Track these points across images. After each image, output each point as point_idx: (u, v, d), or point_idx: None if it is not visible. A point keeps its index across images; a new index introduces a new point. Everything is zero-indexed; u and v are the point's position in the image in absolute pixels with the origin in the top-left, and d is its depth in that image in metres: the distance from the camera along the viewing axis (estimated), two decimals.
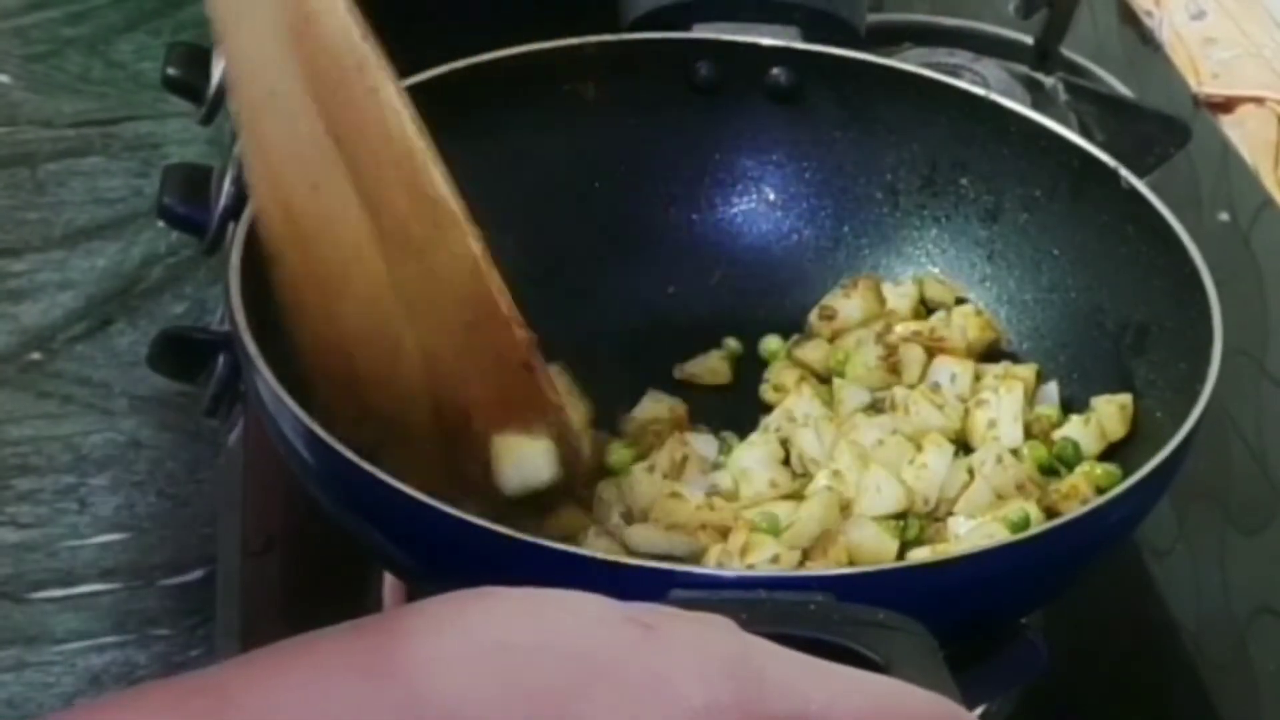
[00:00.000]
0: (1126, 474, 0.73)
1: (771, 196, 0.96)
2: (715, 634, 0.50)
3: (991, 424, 0.82)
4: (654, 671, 0.48)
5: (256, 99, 0.75)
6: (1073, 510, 0.75)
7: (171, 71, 1.22)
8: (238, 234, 0.79)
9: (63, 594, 1.64)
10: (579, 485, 0.78)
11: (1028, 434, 0.83)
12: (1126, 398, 0.83)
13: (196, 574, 1.59)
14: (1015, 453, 0.81)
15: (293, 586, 0.92)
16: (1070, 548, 0.72)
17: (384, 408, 0.76)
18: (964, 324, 0.87)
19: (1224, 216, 1.14)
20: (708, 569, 0.73)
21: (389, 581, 0.83)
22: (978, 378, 0.85)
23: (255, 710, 0.46)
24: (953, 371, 0.85)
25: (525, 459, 0.76)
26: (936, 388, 0.84)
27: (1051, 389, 0.86)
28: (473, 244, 0.74)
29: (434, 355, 0.75)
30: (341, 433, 0.71)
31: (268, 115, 0.75)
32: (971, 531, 0.77)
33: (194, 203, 1.06)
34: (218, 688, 0.47)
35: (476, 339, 0.75)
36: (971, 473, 0.80)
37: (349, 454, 0.70)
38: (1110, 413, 0.83)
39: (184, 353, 1.08)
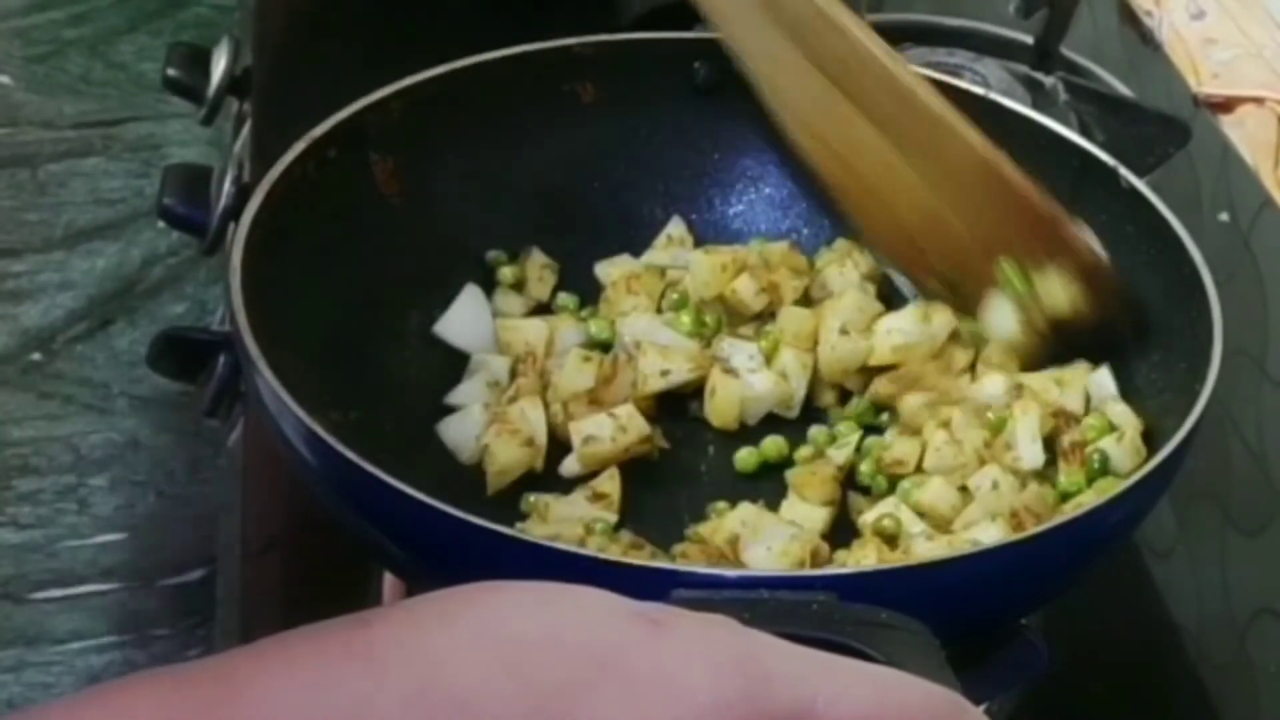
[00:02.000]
0: (1126, 474, 0.73)
1: (771, 196, 0.96)
2: (722, 631, 0.50)
3: (1008, 446, 0.81)
4: (661, 667, 0.48)
5: (764, 69, 0.88)
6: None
7: (172, 72, 1.22)
8: (238, 234, 0.79)
9: (63, 594, 1.64)
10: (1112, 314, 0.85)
11: (1062, 450, 0.82)
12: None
13: (196, 574, 1.59)
14: (1038, 474, 0.81)
15: (293, 586, 0.92)
16: (1070, 548, 0.72)
17: (952, 267, 0.87)
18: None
19: (1224, 216, 1.14)
20: (710, 569, 0.73)
21: (389, 581, 0.83)
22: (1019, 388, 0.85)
23: (262, 699, 0.46)
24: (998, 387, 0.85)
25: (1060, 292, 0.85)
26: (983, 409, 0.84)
27: (1104, 377, 0.85)
28: (972, 139, 0.85)
29: (977, 227, 0.86)
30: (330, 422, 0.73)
31: (779, 78, 0.88)
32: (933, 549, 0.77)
33: (194, 203, 1.06)
34: (225, 676, 0.47)
35: (1002, 208, 0.85)
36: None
37: (349, 454, 0.70)
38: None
39: (184, 353, 1.08)
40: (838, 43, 0.86)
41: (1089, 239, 0.86)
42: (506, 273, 0.91)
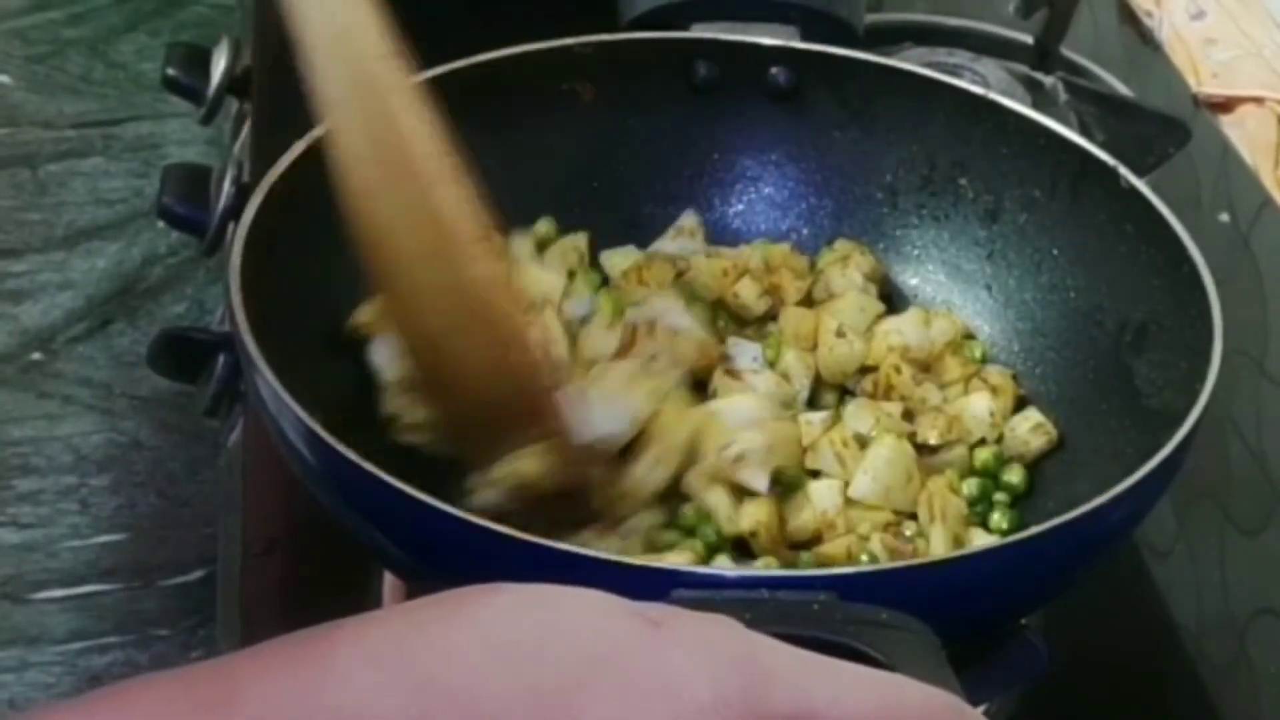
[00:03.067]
0: (1125, 475, 0.73)
1: (770, 196, 0.96)
2: (722, 631, 0.50)
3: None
4: (661, 668, 0.48)
5: (328, 103, 0.76)
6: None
7: (171, 72, 1.22)
8: (238, 234, 0.79)
9: (63, 594, 1.65)
10: (569, 509, 0.78)
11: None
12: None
13: (197, 574, 1.59)
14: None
15: (293, 587, 0.92)
16: (1070, 548, 0.72)
17: (450, 398, 0.78)
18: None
19: (1224, 217, 1.14)
20: (711, 569, 0.73)
21: (389, 581, 0.83)
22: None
23: (263, 701, 0.46)
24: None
25: (520, 465, 0.77)
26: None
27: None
28: (481, 267, 0.75)
29: (479, 366, 0.76)
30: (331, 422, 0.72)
31: (336, 120, 0.76)
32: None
33: (194, 203, 1.06)
34: (227, 677, 0.47)
35: (505, 356, 0.76)
36: None
37: (350, 454, 0.70)
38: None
39: (184, 353, 1.08)
40: (387, 117, 0.75)
41: (560, 410, 0.78)
42: (541, 227, 0.92)
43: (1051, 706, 0.83)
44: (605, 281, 0.92)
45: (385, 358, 0.83)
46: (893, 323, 0.88)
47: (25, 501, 1.69)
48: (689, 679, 0.47)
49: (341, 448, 0.70)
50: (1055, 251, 0.90)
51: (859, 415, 0.83)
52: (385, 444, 0.82)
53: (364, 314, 0.85)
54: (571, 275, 0.92)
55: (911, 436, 0.82)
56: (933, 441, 0.83)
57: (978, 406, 0.85)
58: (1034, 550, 0.71)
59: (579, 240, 0.93)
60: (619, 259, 0.92)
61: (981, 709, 0.80)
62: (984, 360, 0.88)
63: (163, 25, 2.11)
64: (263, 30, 1.25)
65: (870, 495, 0.80)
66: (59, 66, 2.12)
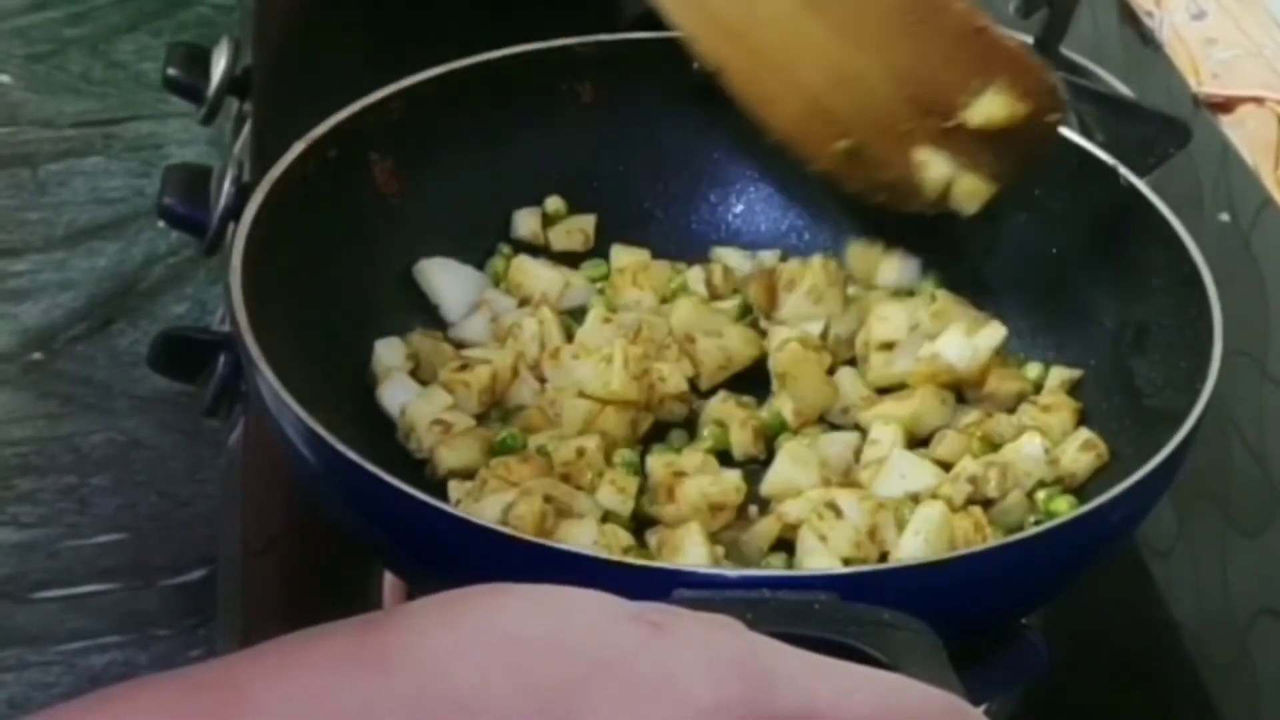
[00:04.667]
0: (1126, 475, 0.73)
1: (770, 196, 0.96)
2: (723, 633, 0.50)
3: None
4: (662, 669, 0.48)
5: None
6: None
7: (172, 72, 1.22)
8: (238, 234, 0.79)
9: (63, 594, 1.65)
10: (1044, 111, 0.82)
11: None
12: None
13: (197, 574, 1.59)
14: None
15: (293, 586, 0.92)
16: (1070, 548, 0.72)
17: (866, 126, 0.82)
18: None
19: (1224, 216, 1.14)
20: (712, 569, 0.73)
21: (389, 581, 0.83)
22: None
23: (266, 703, 0.46)
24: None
25: (995, 108, 0.81)
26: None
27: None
28: None
29: (895, 65, 0.81)
30: (332, 422, 0.72)
31: None
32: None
33: (194, 203, 1.06)
34: (228, 680, 0.47)
35: (926, 33, 0.80)
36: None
37: (350, 454, 0.70)
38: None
39: (184, 353, 1.08)
40: None
41: (1017, 44, 0.82)
42: (551, 204, 0.93)
43: (1051, 706, 0.83)
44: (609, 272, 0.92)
45: (397, 400, 0.84)
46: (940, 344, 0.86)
47: (25, 501, 1.69)
48: (691, 681, 0.47)
49: (342, 447, 0.70)
50: (1055, 250, 0.90)
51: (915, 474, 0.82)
52: (385, 444, 0.82)
53: (377, 360, 0.85)
54: (575, 261, 0.92)
55: (971, 497, 0.80)
56: (991, 496, 0.81)
57: (1030, 448, 0.82)
58: (1034, 550, 0.71)
59: (586, 222, 0.93)
60: (626, 256, 0.92)
61: (982, 709, 0.80)
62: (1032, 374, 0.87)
63: (163, 25, 2.11)
64: (263, 30, 1.25)
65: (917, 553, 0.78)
66: (59, 66, 2.12)
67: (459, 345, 0.87)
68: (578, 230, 0.93)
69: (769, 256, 0.93)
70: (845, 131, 0.83)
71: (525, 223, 0.93)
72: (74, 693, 0.47)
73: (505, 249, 0.92)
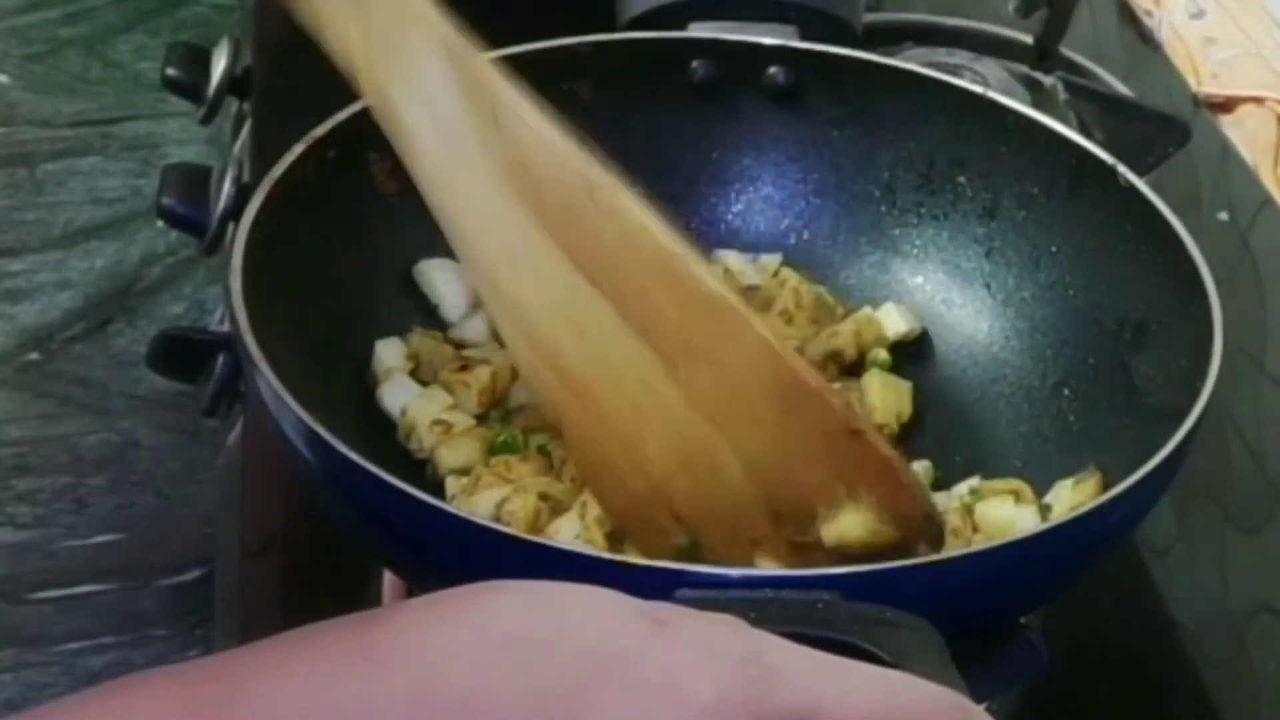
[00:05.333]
0: (1126, 474, 0.73)
1: (769, 195, 0.95)
2: (727, 631, 0.50)
3: None
4: (665, 667, 0.48)
5: (493, 261, 0.71)
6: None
7: (170, 71, 1.22)
8: (238, 234, 0.79)
9: (60, 594, 1.64)
10: (912, 540, 0.74)
11: None
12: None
13: (195, 574, 1.59)
14: None
15: (292, 586, 0.92)
16: (1070, 548, 0.72)
17: (712, 524, 0.73)
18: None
19: (1224, 216, 1.14)
20: (715, 568, 0.72)
21: (389, 581, 0.83)
22: None
23: (266, 699, 0.46)
24: None
25: (853, 527, 0.73)
26: None
27: None
28: (759, 329, 0.69)
29: (755, 456, 0.72)
30: (333, 423, 0.72)
31: (509, 274, 0.71)
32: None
33: (193, 203, 1.06)
34: (225, 676, 0.47)
35: (794, 423, 0.71)
36: None
37: (351, 454, 0.70)
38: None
39: (183, 353, 1.08)
40: (604, 227, 0.69)
41: (895, 458, 0.73)
42: None
43: (1051, 706, 0.83)
44: None
45: (398, 401, 0.84)
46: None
47: (22, 501, 1.69)
48: (694, 679, 0.47)
49: (342, 447, 0.70)
50: (1054, 249, 0.89)
51: None
52: (385, 444, 0.82)
53: (377, 361, 0.85)
54: None
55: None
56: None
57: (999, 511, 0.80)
58: (1034, 550, 0.70)
59: None
60: None
61: (982, 708, 0.79)
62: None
63: (161, 24, 2.11)
64: (263, 30, 1.25)
65: None
66: (57, 66, 2.12)
67: (459, 345, 0.87)
68: None
69: (771, 260, 0.93)
70: (686, 526, 0.73)
71: None
72: (71, 693, 0.47)
73: None
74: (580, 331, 0.71)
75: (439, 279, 0.89)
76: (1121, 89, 1.16)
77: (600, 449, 0.74)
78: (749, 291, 0.90)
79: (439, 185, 0.71)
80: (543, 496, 0.77)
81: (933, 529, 0.75)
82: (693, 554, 0.72)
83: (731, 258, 0.93)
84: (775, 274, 0.92)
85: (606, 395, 0.72)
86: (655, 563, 0.72)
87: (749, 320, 0.69)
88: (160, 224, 1.16)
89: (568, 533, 0.76)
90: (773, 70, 0.94)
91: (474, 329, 0.88)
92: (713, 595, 0.62)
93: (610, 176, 0.69)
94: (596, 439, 0.74)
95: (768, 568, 0.71)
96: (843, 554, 0.72)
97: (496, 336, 0.88)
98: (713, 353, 0.69)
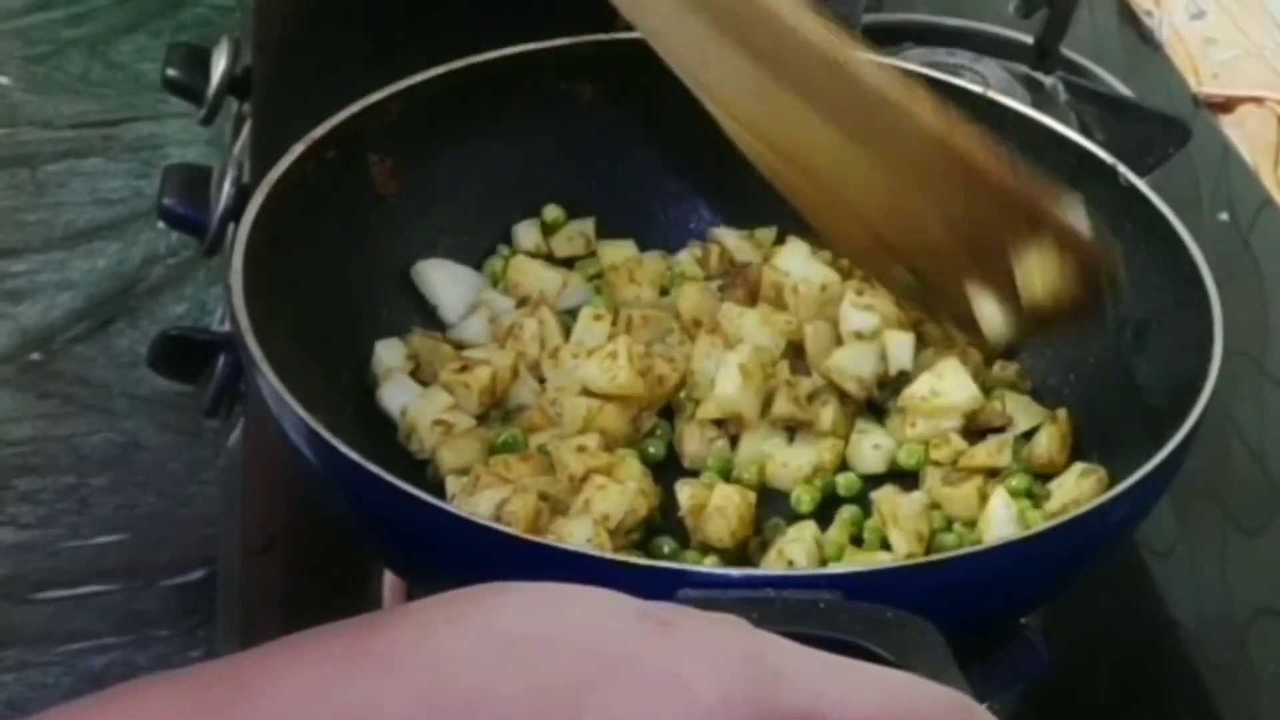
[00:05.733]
0: (1126, 474, 0.73)
1: (769, 195, 0.95)
2: (730, 631, 0.50)
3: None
4: (669, 668, 0.48)
5: (695, 69, 0.79)
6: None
7: (171, 72, 1.22)
8: (239, 235, 0.79)
9: (63, 594, 1.65)
10: (1099, 281, 0.80)
11: None
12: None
13: (196, 574, 1.59)
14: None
15: (293, 587, 0.92)
16: (1070, 548, 0.72)
17: (925, 261, 0.81)
18: None
19: (1224, 216, 1.14)
20: (716, 569, 0.73)
21: (389, 581, 0.83)
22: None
23: (273, 701, 0.46)
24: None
25: (1042, 275, 0.79)
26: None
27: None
28: (926, 116, 0.76)
29: (947, 213, 0.78)
30: (334, 423, 0.72)
31: (713, 77, 0.79)
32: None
33: (194, 203, 1.06)
34: (233, 679, 0.47)
35: (972, 188, 0.77)
36: None
37: (352, 454, 0.70)
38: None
39: (184, 353, 1.08)
40: (770, 26, 0.76)
41: (1071, 213, 0.80)
42: (549, 213, 0.93)
43: (1051, 706, 0.83)
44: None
45: (398, 401, 0.84)
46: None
47: (25, 502, 1.69)
48: (697, 680, 0.47)
49: (343, 448, 0.70)
50: None
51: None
52: (386, 444, 0.82)
53: (377, 361, 0.85)
54: (572, 262, 0.93)
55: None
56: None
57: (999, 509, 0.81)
58: (1034, 550, 0.71)
59: (586, 226, 0.93)
60: (613, 251, 0.93)
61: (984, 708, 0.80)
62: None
63: (163, 25, 2.11)
64: (262, 30, 1.25)
65: None
66: (59, 67, 2.12)
67: (458, 346, 0.87)
68: (579, 235, 0.93)
69: (766, 234, 0.93)
70: (902, 259, 0.82)
71: (526, 234, 0.93)
72: (74, 694, 0.47)
73: (505, 249, 0.92)
74: (772, 108, 0.78)
75: (437, 279, 0.89)
76: (1122, 89, 1.16)
77: (819, 205, 0.82)
78: (740, 269, 0.90)
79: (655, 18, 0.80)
80: (543, 496, 0.77)
81: (1117, 267, 0.80)
82: (920, 284, 0.82)
83: (727, 235, 0.93)
84: (768, 257, 0.92)
85: (809, 159, 0.80)
86: (657, 563, 0.72)
87: (911, 109, 0.77)
88: (161, 225, 1.16)
89: (580, 535, 0.76)
90: None
91: (474, 329, 0.88)
92: (715, 595, 0.62)
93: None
94: (817, 197, 0.82)
95: (979, 295, 0.77)
96: (1037, 306, 0.79)
97: (496, 336, 0.88)
98: (890, 132, 0.78)
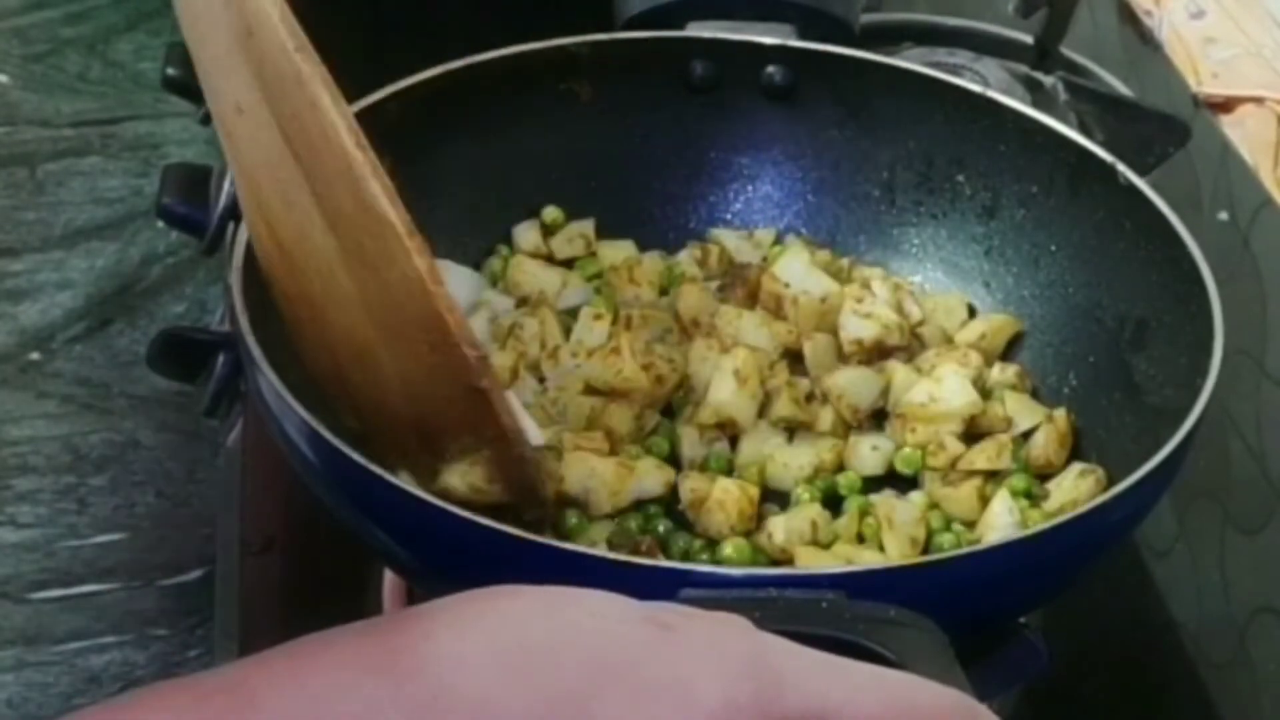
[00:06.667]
0: (1126, 474, 0.73)
1: (768, 194, 0.96)
2: (733, 633, 0.50)
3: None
4: (672, 672, 0.48)
5: (227, 113, 0.73)
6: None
7: (171, 71, 1.21)
8: (240, 234, 0.79)
9: (62, 594, 1.64)
10: (526, 509, 0.75)
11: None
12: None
13: (195, 574, 1.59)
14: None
15: (292, 586, 0.92)
16: (1070, 547, 0.72)
17: (372, 417, 0.75)
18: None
19: (1224, 216, 1.14)
20: (718, 568, 0.73)
21: (389, 581, 0.83)
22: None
23: (278, 708, 0.46)
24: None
25: (460, 478, 0.74)
26: None
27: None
28: (417, 261, 0.69)
29: (407, 376, 0.73)
30: (334, 423, 0.72)
31: (239, 128, 0.73)
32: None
33: (193, 203, 1.06)
34: (239, 686, 0.47)
35: (438, 360, 0.71)
36: None
37: (354, 454, 0.70)
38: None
39: (183, 353, 1.07)
40: (306, 113, 0.69)
41: (516, 420, 0.73)
42: (549, 214, 0.93)
43: (1051, 706, 0.83)
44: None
45: None
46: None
47: (23, 501, 1.69)
48: (701, 683, 0.47)
49: (344, 447, 0.70)
50: (1054, 248, 0.90)
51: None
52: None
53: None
54: (572, 263, 0.93)
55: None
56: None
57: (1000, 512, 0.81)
58: (1034, 550, 0.71)
59: (586, 227, 0.93)
60: (613, 252, 0.93)
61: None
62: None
63: (162, 25, 2.11)
64: None
65: None
66: (57, 66, 2.11)
67: None
68: (578, 236, 0.93)
69: (765, 235, 0.93)
70: (358, 417, 0.75)
71: (526, 236, 0.93)
72: (72, 693, 0.47)
73: (504, 250, 0.92)
74: (286, 199, 0.72)
75: None
76: (1121, 89, 1.16)
77: (295, 308, 0.75)
78: (740, 269, 0.90)
79: (196, 36, 0.74)
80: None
81: (538, 503, 0.75)
82: (362, 442, 0.72)
83: (727, 236, 0.93)
84: (768, 261, 0.92)
85: (301, 263, 0.73)
86: (660, 563, 0.72)
87: (409, 249, 0.69)
88: (161, 224, 1.16)
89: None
90: (771, 69, 0.94)
91: (474, 329, 0.88)
92: (716, 595, 0.62)
93: (318, 69, 0.70)
94: (292, 298, 0.75)
95: (403, 482, 0.70)
96: (455, 498, 0.72)
97: (497, 336, 0.88)
98: (379, 265, 0.70)
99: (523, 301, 0.90)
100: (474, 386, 0.71)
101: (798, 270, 0.89)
